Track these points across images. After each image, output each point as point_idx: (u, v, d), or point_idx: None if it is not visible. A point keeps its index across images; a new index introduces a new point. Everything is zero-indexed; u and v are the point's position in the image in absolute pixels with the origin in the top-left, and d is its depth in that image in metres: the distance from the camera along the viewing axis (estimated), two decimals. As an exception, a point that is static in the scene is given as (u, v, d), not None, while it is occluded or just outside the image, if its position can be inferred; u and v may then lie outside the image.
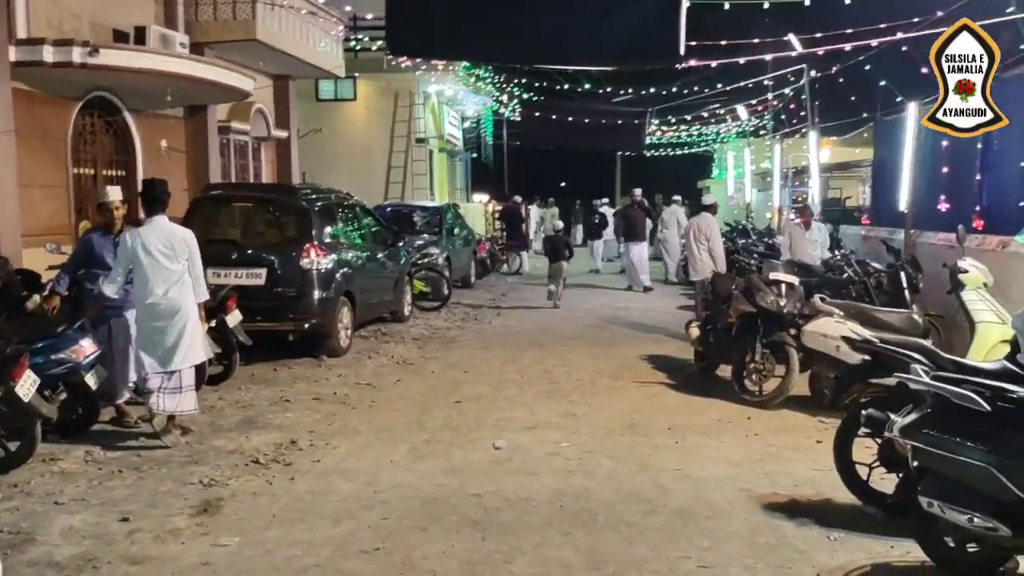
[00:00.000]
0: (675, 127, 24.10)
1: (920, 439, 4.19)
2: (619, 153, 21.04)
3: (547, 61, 11.31)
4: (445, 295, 14.60)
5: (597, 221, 20.74)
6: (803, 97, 15.69)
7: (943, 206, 9.87)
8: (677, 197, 19.41)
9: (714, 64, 16.26)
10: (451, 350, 10.83)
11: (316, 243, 9.73)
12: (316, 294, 9.66)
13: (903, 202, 10.77)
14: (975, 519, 4.00)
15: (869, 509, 5.08)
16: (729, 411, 7.58)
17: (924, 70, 10.71)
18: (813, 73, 14.68)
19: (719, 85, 17.97)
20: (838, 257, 10.57)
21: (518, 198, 24.17)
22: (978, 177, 8.84)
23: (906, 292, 9.16)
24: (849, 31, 13.04)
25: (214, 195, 10.33)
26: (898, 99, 11.31)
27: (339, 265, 10.12)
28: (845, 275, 9.66)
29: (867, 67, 11.82)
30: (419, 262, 14.48)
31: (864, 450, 5.22)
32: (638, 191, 17.45)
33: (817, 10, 11.45)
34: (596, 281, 19.35)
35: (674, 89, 18.98)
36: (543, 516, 5.10)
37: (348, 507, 5.27)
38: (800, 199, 17.25)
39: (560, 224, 17.72)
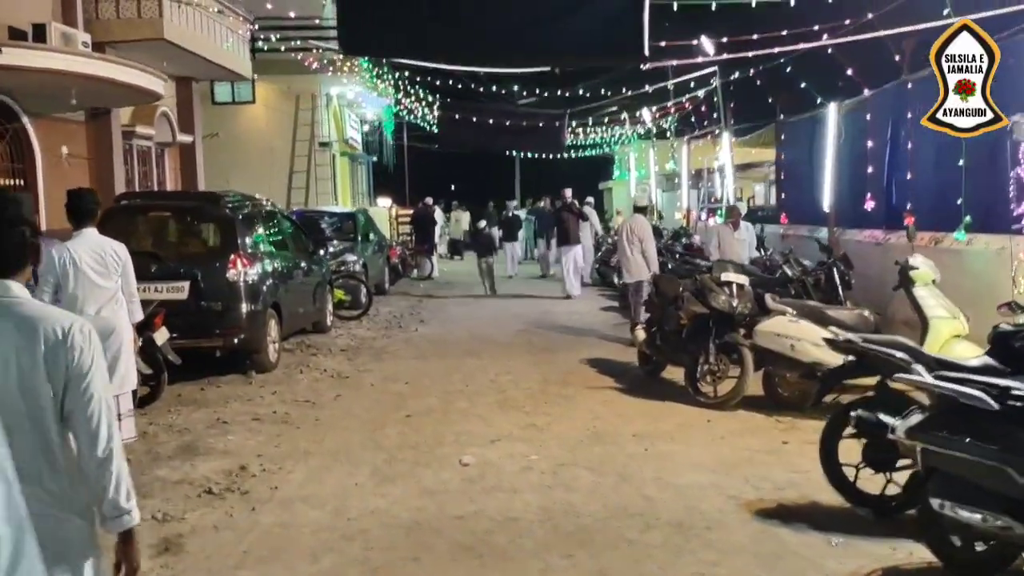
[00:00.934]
0: (586, 129, 24.24)
1: (929, 440, 4.17)
2: (538, 155, 20.87)
3: (505, 59, 10.92)
4: (365, 303, 14.17)
5: (511, 223, 20.32)
6: (715, 99, 15.98)
7: (869, 204, 10.14)
8: (590, 199, 19.52)
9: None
10: (384, 361, 10.45)
11: (242, 253, 9.21)
12: (244, 307, 9.14)
13: (826, 201, 11.02)
14: (988, 518, 4.00)
15: (860, 511, 5.05)
16: (688, 415, 7.52)
17: (850, 71, 11.16)
18: (737, 75, 14.93)
19: (624, 89, 18.11)
20: (765, 256, 10.72)
21: (429, 200, 23.83)
22: (909, 176, 9.11)
23: (839, 289, 9.36)
24: (755, 37, 13.36)
25: (128, 204, 9.62)
26: (818, 100, 11.59)
27: (265, 276, 9.63)
28: (779, 274, 9.78)
29: (788, 69, 12.09)
30: (338, 270, 14.00)
31: (847, 451, 5.21)
32: (568, 191, 16.72)
33: (730, 13, 11.67)
34: (515, 288, 19.20)
35: (585, 92, 19.06)
36: (537, 538, 4.86)
37: (325, 539, 4.90)
38: (715, 199, 17.56)
39: (483, 223, 17.75)
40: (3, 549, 1.90)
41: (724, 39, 14.27)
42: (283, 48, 15.76)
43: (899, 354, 4.94)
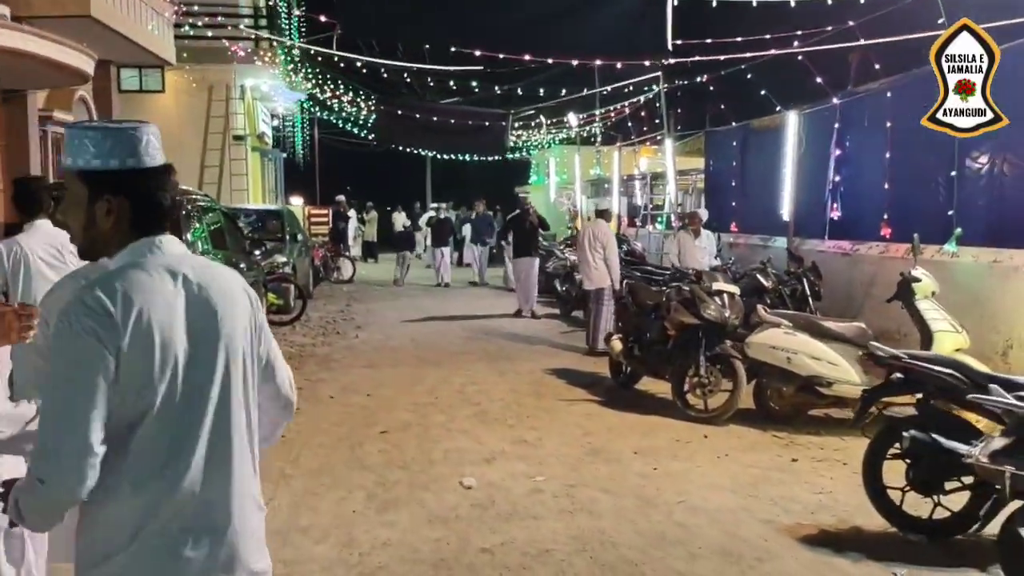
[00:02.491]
0: (519, 132, 23.88)
1: (1021, 466, 3.95)
2: (479, 157, 20.40)
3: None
4: (299, 307, 13.41)
5: (442, 227, 19.39)
6: (658, 105, 15.88)
7: (834, 214, 10.12)
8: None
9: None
10: (335, 371, 9.79)
11: (187, 253, 8.39)
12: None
13: (786, 210, 10.97)
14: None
15: (913, 536, 4.81)
16: (680, 430, 7.22)
17: (819, 79, 11.15)
18: (685, 82, 14.85)
19: (563, 90, 17.87)
20: (728, 264, 10.57)
21: (341, 198, 23.03)
22: (886, 186, 9.10)
23: (809, 300, 9.28)
24: (708, 41, 13.29)
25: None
26: (777, 108, 11.57)
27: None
28: (743, 282, 9.60)
29: (748, 76, 12.04)
30: (271, 271, 13.17)
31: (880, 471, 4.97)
32: (528, 196, 15.76)
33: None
34: (456, 301, 18.64)
35: (524, 92, 18.71)
36: (580, 572, 4.43)
37: (342, 579, 4.35)
38: (653, 207, 17.43)
39: (409, 222, 17.23)
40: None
41: (677, 42, 14.22)
42: (210, 34, 14.74)
43: (949, 371, 4.74)
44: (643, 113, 17.95)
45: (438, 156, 31.14)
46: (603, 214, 11.12)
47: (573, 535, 4.90)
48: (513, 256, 13.85)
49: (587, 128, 22.95)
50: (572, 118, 22.98)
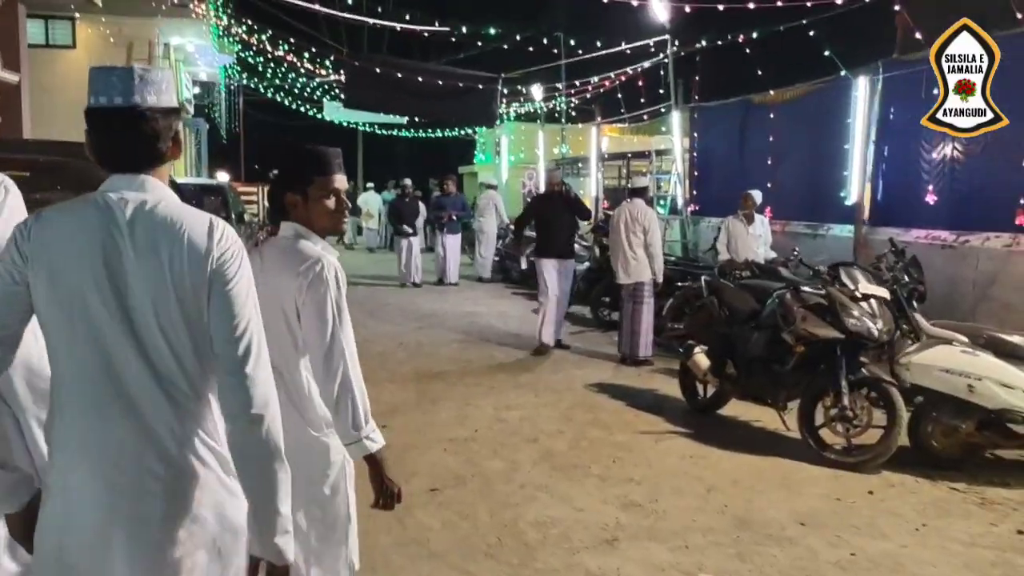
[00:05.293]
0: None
1: None
2: (465, 127, 18.21)
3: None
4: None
5: (406, 210, 15.45)
6: (663, 73, 14.06)
7: (931, 197, 8.48)
8: (494, 182, 17.13)
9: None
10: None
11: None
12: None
13: (854, 192, 9.32)
14: None
15: None
16: (824, 480, 5.44)
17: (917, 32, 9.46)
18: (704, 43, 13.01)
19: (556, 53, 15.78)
20: (792, 257, 8.85)
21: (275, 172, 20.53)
22: None
23: (912, 303, 7.63)
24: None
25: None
26: (842, 72, 9.88)
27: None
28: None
29: (811, 32, 10.31)
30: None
31: None
32: (558, 171, 11.38)
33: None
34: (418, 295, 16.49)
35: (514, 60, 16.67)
36: None
37: None
38: (661, 189, 15.63)
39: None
40: None
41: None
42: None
43: None
44: (640, 83, 16.13)
45: (413, 128, 28.59)
46: (640, 192, 9.16)
47: None
48: (537, 254, 9.51)
49: (553, 102, 20.99)
50: (536, 91, 21.06)
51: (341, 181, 2.76)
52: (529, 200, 9.67)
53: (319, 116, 29.57)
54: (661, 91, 14.46)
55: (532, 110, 22.41)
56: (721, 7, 11.07)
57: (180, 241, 1.81)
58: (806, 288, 6.20)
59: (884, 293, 5.92)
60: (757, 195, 9.41)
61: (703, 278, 7.28)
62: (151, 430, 1.80)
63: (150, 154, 1.89)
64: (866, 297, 5.84)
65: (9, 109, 11.01)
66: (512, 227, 16.51)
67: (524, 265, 12.58)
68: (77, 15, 18.29)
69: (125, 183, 1.87)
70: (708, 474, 5.52)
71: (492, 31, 16.22)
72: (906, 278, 7.10)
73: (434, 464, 5.62)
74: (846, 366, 5.73)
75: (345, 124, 29.58)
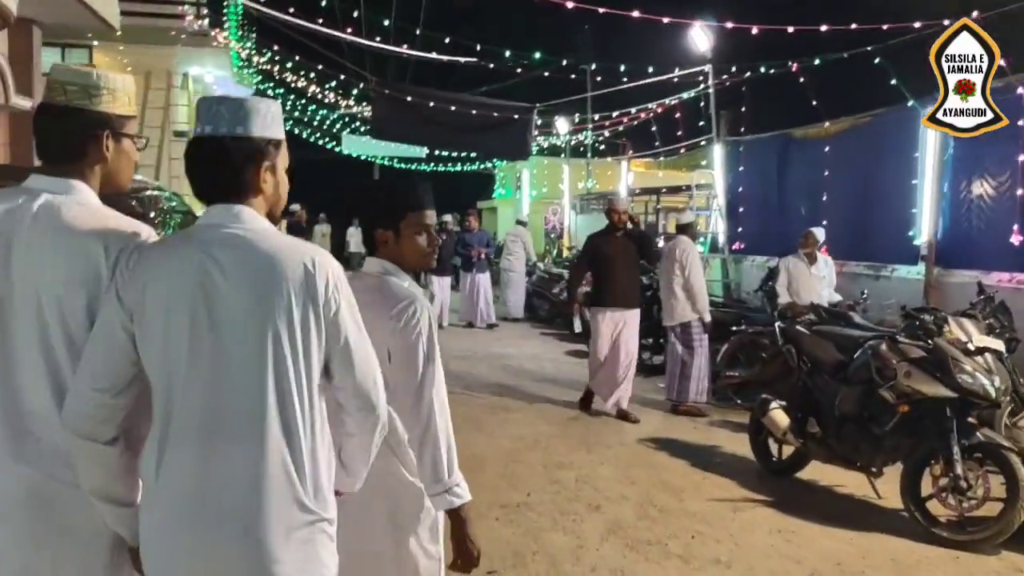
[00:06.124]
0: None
1: None
2: (497, 159, 17.67)
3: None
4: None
5: (444, 247, 13.58)
6: (702, 104, 13.48)
7: (1016, 238, 7.78)
8: (524, 219, 16.52)
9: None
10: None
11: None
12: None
13: (924, 231, 8.64)
14: None
15: None
16: (943, 562, 4.71)
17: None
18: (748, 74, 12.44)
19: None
20: (859, 300, 8.15)
21: (295, 207, 20.07)
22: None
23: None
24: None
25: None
26: (909, 103, 9.23)
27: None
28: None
29: (875, 60, 9.70)
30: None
31: None
32: (623, 200, 8.91)
33: None
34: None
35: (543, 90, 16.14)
36: None
37: None
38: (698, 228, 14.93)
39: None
40: None
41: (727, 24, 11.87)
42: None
43: None
44: (677, 115, 15.52)
45: (432, 161, 27.78)
46: (686, 229, 8.53)
47: None
48: (591, 302, 8.18)
49: (577, 136, 20.40)
50: (562, 124, 20.54)
51: (432, 216, 2.63)
52: (589, 241, 7.86)
53: (337, 149, 29.19)
54: (701, 123, 13.87)
55: (555, 144, 21.87)
56: (766, 31, 10.46)
57: (277, 276, 1.81)
58: (903, 339, 5.49)
59: (999, 346, 5.22)
60: (820, 233, 8.73)
61: (777, 324, 6.57)
62: (266, 460, 1.81)
63: (240, 184, 1.88)
64: (980, 351, 5.13)
65: (20, 136, 10.50)
66: (539, 266, 15.74)
67: (579, 327, 9.98)
68: (95, 43, 17.89)
69: (219, 214, 1.88)
70: (805, 554, 4.78)
71: (527, 60, 15.62)
72: (997, 326, 6.42)
73: (488, 537, 4.90)
74: (959, 429, 5.01)
75: (363, 158, 29.14)
